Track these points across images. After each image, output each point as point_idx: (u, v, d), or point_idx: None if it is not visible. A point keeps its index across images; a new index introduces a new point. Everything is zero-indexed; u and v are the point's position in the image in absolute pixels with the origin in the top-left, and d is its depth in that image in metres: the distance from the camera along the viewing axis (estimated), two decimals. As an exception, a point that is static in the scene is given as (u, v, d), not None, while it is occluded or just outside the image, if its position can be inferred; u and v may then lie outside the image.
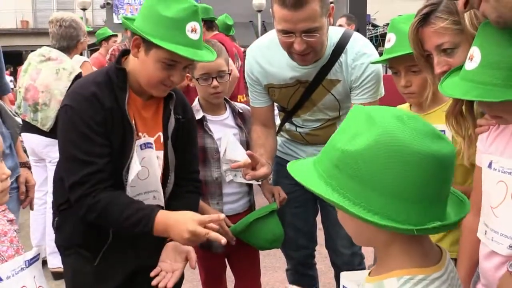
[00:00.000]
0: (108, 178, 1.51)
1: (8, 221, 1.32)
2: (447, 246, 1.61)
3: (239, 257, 2.16)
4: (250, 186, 2.13)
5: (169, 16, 1.46)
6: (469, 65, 1.10)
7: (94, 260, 1.60)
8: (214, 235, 1.44)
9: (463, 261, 1.48)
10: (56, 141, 2.78)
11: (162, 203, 1.63)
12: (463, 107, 1.40)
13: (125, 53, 1.61)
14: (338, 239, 2.18)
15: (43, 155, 3.27)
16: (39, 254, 1.29)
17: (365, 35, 6.29)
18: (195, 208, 1.80)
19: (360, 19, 7.04)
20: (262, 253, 2.23)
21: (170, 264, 1.56)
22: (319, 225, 2.33)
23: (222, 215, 1.56)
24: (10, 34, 18.83)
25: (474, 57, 1.09)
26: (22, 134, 3.15)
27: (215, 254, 2.11)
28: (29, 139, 3.27)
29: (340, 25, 4.41)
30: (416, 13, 1.39)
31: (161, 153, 1.66)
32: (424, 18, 1.36)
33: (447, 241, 1.62)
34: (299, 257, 2.30)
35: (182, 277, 1.83)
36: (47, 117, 3.06)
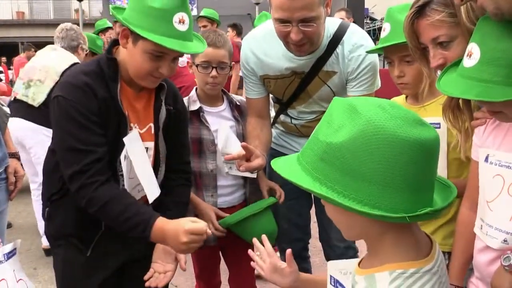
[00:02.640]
0: (107, 168, 1.48)
1: None
2: (440, 239, 1.61)
3: (233, 250, 2.13)
4: (245, 179, 2.10)
5: (156, 7, 1.43)
6: (468, 62, 1.07)
7: (86, 250, 1.58)
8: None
9: (457, 255, 1.46)
10: (37, 126, 2.77)
11: (149, 196, 1.60)
12: (460, 100, 1.38)
13: (116, 42, 1.58)
14: (332, 232, 2.16)
15: (24, 140, 3.30)
16: (15, 248, 1.27)
17: (362, 29, 6.26)
18: (186, 201, 1.78)
19: (358, 13, 7.02)
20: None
21: (162, 266, 1.57)
22: (314, 218, 2.32)
23: (209, 232, 1.54)
24: (5, 25, 18.70)
25: (473, 54, 1.06)
26: (10, 120, 3.21)
27: (209, 247, 2.08)
28: (12, 126, 3.30)
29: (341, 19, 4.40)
30: (412, 5, 1.36)
31: (151, 144, 1.63)
32: (420, 10, 1.33)
33: (440, 235, 1.61)
34: (293, 250, 2.27)
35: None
36: (39, 93, 3.19)
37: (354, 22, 5.99)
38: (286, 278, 1.30)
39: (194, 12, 19.23)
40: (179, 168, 1.77)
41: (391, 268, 0.84)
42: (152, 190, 1.58)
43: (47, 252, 3.52)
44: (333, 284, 1.04)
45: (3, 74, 11.04)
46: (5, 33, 18.10)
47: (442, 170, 1.54)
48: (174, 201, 1.70)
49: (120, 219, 1.45)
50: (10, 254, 1.27)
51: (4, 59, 13.93)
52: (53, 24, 19.47)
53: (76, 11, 17.80)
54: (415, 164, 0.80)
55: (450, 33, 1.31)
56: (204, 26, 5.12)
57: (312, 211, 2.32)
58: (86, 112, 1.44)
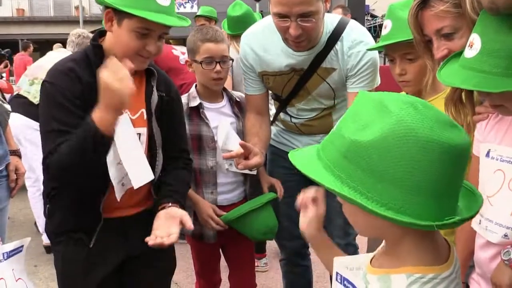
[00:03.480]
0: None
1: None
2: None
3: (233, 247, 2.14)
4: (245, 176, 2.09)
5: None
6: (469, 53, 1.07)
7: (89, 242, 1.57)
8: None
9: (458, 251, 1.45)
10: (34, 123, 2.75)
11: (134, 181, 1.55)
12: (463, 94, 1.37)
13: (102, 33, 1.59)
14: (333, 230, 2.15)
15: (19, 136, 3.35)
16: (22, 246, 1.26)
17: (363, 26, 6.23)
18: (187, 182, 1.77)
19: (358, 9, 6.98)
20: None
21: (164, 230, 1.50)
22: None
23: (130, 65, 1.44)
24: (6, 22, 18.65)
25: (474, 44, 1.06)
26: (11, 115, 3.26)
27: (209, 244, 2.09)
28: (14, 121, 3.34)
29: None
30: None
31: (144, 130, 1.62)
32: (424, 1, 1.33)
33: (441, 231, 1.60)
34: (293, 247, 2.28)
35: (174, 264, 1.81)
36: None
37: (353, 19, 5.96)
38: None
39: (195, 9, 19.20)
40: (177, 155, 1.76)
41: (409, 271, 0.81)
42: (141, 175, 1.56)
43: (48, 249, 3.54)
44: (340, 281, 0.99)
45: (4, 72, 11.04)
46: (5, 30, 18.06)
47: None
48: (175, 179, 1.69)
49: (78, 152, 1.38)
50: (12, 253, 1.26)
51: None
52: (53, 21, 19.30)
53: (76, 8, 17.75)
54: (446, 170, 0.76)
55: (454, 24, 1.30)
56: (202, 25, 5.12)
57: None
58: (69, 95, 1.44)
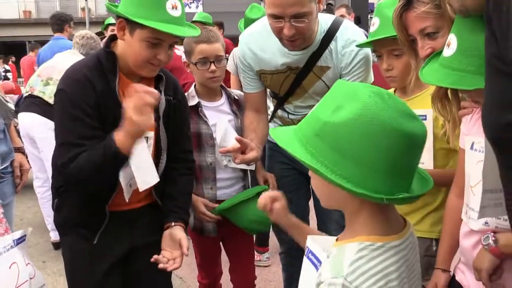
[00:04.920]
0: None
1: None
2: (428, 227, 1.66)
3: (233, 241, 2.20)
4: (244, 171, 2.16)
5: None
6: (447, 52, 1.13)
7: (93, 238, 1.65)
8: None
9: (444, 240, 1.51)
10: (49, 122, 2.83)
11: (140, 184, 1.64)
12: (449, 90, 1.43)
13: (114, 38, 1.65)
14: (330, 224, 2.21)
15: (35, 135, 3.39)
16: (25, 235, 1.35)
17: (367, 23, 6.26)
18: (190, 191, 1.85)
19: (362, 7, 7.00)
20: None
21: (170, 253, 1.65)
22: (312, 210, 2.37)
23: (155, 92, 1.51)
24: (12, 24, 18.85)
25: (451, 44, 1.12)
26: (20, 114, 3.34)
27: (210, 238, 2.15)
28: (24, 120, 3.44)
29: (342, 15, 4.41)
30: None
31: (151, 134, 1.69)
32: (407, 3, 1.39)
33: (428, 222, 1.67)
34: (292, 240, 2.32)
35: None
36: None
37: (358, 17, 5.98)
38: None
39: (200, 9, 19.27)
40: (181, 156, 1.82)
41: (361, 240, 0.92)
42: (147, 178, 1.63)
43: (56, 245, 3.63)
44: (307, 255, 1.11)
45: (10, 73, 11.19)
46: (12, 32, 18.27)
47: (428, 160, 1.59)
48: (179, 192, 1.77)
49: (96, 168, 1.49)
50: (20, 240, 1.35)
51: (13, 58, 14.08)
52: (60, 23, 19.47)
53: (83, 9, 17.93)
54: (402, 154, 0.87)
55: (436, 24, 1.36)
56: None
57: (310, 203, 2.37)
58: (83, 104, 1.51)
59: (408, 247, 0.98)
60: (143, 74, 1.63)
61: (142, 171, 1.60)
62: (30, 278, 1.39)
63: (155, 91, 1.49)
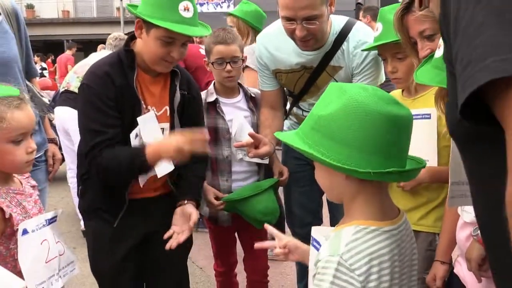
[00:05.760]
0: (116, 144, 1.69)
1: (31, 186, 1.53)
2: (432, 222, 1.72)
3: (248, 232, 2.30)
4: (259, 166, 2.26)
5: None
6: (437, 53, 1.21)
7: (114, 221, 1.79)
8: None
9: (444, 233, 1.58)
10: None
11: (157, 171, 1.78)
12: None
13: (133, 37, 1.80)
14: (342, 218, 2.29)
15: (69, 128, 3.61)
16: (56, 216, 1.50)
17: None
18: (203, 176, 1.97)
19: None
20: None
21: (179, 227, 1.77)
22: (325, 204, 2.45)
23: (206, 135, 1.74)
24: (52, 23, 19.49)
25: (441, 46, 1.20)
26: (56, 108, 3.57)
27: (225, 228, 2.27)
28: (59, 113, 3.69)
29: (369, 22, 4.36)
30: (401, 2, 1.48)
31: (167, 125, 1.83)
32: (407, 7, 1.46)
33: (432, 217, 1.72)
34: (304, 233, 2.40)
35: (191, 243, 2.01)
36: None
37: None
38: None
39: (231, 8, 19.37)
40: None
41: (357, 223, 1.01)
42: (163, 166, 1.77)
43: (85, 233, 3.82)
44: (312, 243, 1.21)
45: (46, 71, 11.64)
46: (51, 31, 18.90)
47: (432, 157, 1.65)
48: (191, 174, 1.89)
49: (121, 165, 1.66)
50: (52, 220, 1.50)
51: (52, 56, 14.61)
52: (97, 22, 19.83)
53: (118, 9, 18.37)
54: (387, 135, 0.96)
55: (434, 26, 1.44)
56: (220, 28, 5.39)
57: (324, 197, 2.46)
58: (104, 97, 1.67)
59: (401, 233, 1.06)
60: (158, 70, 1.77)
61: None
62: (60, 255, 1.53)
63: (205, 142, 1.67)
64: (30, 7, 19.59)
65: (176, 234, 1.74)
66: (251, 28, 3.26)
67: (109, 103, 1.68)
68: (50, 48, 17.01)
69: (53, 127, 2.90)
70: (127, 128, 1.71)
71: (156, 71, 1.79)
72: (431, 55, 1.35)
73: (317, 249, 1.22)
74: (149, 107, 1.78)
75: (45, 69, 12.01)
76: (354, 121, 0.95)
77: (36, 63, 12.32)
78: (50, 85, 6.72)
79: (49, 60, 14.17)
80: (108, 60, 1.77)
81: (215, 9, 18.41)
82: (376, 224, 1.01)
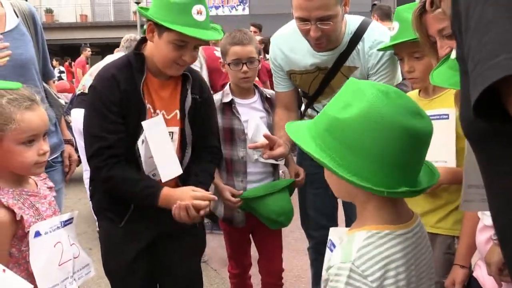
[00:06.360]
0: (119, 153, 1.69)
1: (48, 188, 1.53)
2: (450, 224, 1.68)
3: (262, 233, 2.29)
4: (274, 167, 2.25)
5: (177, 2, 1.63)
6: (453, 53, 1.17)
7: (119, 222, 1.79)
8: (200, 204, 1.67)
9: (464, 237, 1.54)
10: None
11: (162, 175, 1.77)
12: None
13: (143, 40, 1.80)
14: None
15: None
16: (72, 218, 1.49)
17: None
18: (212, 174, 1.95)
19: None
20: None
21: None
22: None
23: (214, 197, 1.76)
24: (70, 28, 19.80)
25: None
26: (73, 110, 3.63)
27: (239, 229, 2.26)
28: (76, 115, 3.75)
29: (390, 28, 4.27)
30: (419, 1, 1.45)
31: (177, 129, 1.82)
32: (424, 6, 1.42)
33: (450, 220, 1.68)
34: (320, 236, 2.39)
35: (204, 243, 2.00)
36: None
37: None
38: None
39: (246, 11, 19.43)
40: (208, 150, 1.93)
41: (369, 229, 0.98)
42: (169, 170, 1.76)
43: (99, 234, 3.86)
44: (328, 245, 1.19)
45: (64, 74, 11.83)
46: (70, 35, 19.19)
47: (451, 158, 1.61)
48: (201, 170, 1.87)
49: (132, 194, 1.69)
50: (67, 222, 1.49)
51: (69, 59, 14.82)
52: (114, 26, 20.05)
53: (135, 13, 18.58)
54: (405, 150, 0.91)
55: None
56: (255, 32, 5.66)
57: (340, 200, 2.43)
58: (107, 101, 1.67)
59: (416, 235, 1.02)
60: (170, 73, 1.76)
61: (165, 163, 1.73)
62: (74, 257, 1.52)
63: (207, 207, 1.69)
64: (49, 11, 19.93)
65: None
66: None
67: (112, 108, 1.67)
68: (67, 52, 17.26)
69: (70, 128, 2.94)
70: (133, 134, 1.70)
71: (166, 75, 1.78)
72: (447, 56, 1.31)
73: (332, 252, 1.20)
74: (157, 111, 1.77)
75: (63, 72, 12.21)
76: (373, 132, 0.90)
77: (54, 67, 12.54)
78: (68, 87, 6.82)
79: (67, 63, 14.40)
80: (117, 63, 1.77)
81: (230, 12, 18.50)
82: (389, 228, 0.98)
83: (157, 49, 1.71)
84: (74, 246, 1.52)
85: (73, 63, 12.47)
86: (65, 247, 1.47)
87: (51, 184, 1.55)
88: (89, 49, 10.59)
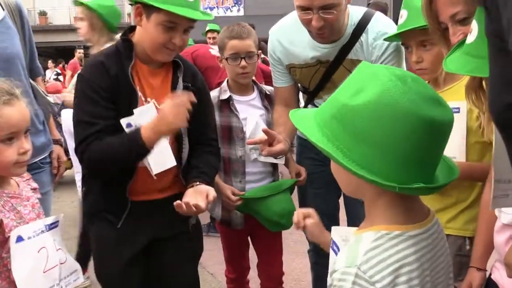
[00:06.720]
0: (106, 136, 1.59)
1: (31, 189, 1.43)
2: (461, 224, 1.60)
3: (262, 236, 2.20)
4: (274, 166, 2.16)
5: None
6: (469, 39, 1.08)
7: (117, 222, 1.69)
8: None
9: (480, 237, 1.46)
10: None
11: (153, 167, 1.67)
12: (483, 81, 1.37)
13: (132, 29, 1.72)
14: (360, 221, 2.17)
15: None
16: (58, 221, 1.39)
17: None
18: (215, 166, 1.84)
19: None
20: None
21: (194, 199, 1.59)
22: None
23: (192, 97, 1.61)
24: (64, 30, 19.70)
25: (473, 30, 1.07)
26: (63, 111, 3.53)
27: (237, 231, 2.16)
28: (66, 116, 3.61)
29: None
30: None
31: None
32: None
33: (461, 220, 1.60)
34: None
35: (201, 248, 1.89)
36: None
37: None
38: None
39: (241, 13, 19.41)
40: (205, 143, 1.84)
41: (377, 229, 0.88)
42: (162, 162, 1.66)
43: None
44: (331, 247, 1.10)
45: (61, 76, 11.79)
46: (63, 37, 19.07)
47: (460, 154, 1.54)
48: (203, 162, 1.77)
49: (118, 157, 1.57)
50: (52, 226, 1.40)
51: (63, 62, 14.75)
52: (107, 28, 20.25)
53: (129, 14, 18.51)
54: (421, 141, 0.82)
55: (468, 9, 1.30)
56: (214, 38, 5.61)
57: (341, 200, 2.34)
58: (97, 87, 1.59)
59: (432, 236, 0.93)
60: (159, 59, 1.67)
61: (156, 155, 1.63)
62: (61, 263, 1.43)
63: (193, 98, 1.57)
64: (43, 14, 19.83)
65: (189, 204, 1.56)
66: (106, 26, 2.88)
67: (102, 93, 1.59)
68: (61, 54, 17.14)
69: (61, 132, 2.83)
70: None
71: (156, 63, 1.70)
72: (461, 41, 1.22)
73: (336, 254, 1.11)
74: (148, 99, 1.68)
75: (60, 74, 12.17)
76: (386, 120, 0.81)
77: (50, 68, 12.42)
78: (61, 88, 6.72)
79: (60, 65, 14.35)
80: (105, 51, 1.70)
81: (225, 13, 18.45)
82: (400, 228, 0.88)
83: (145, 33, 1.63)
84: (60, 251, 1.42)
85: (66, 65, 12.40)
86: (50, 253, 1.37)
87: (35, 185, 1.46)
88: (82, 51, 10.53)
